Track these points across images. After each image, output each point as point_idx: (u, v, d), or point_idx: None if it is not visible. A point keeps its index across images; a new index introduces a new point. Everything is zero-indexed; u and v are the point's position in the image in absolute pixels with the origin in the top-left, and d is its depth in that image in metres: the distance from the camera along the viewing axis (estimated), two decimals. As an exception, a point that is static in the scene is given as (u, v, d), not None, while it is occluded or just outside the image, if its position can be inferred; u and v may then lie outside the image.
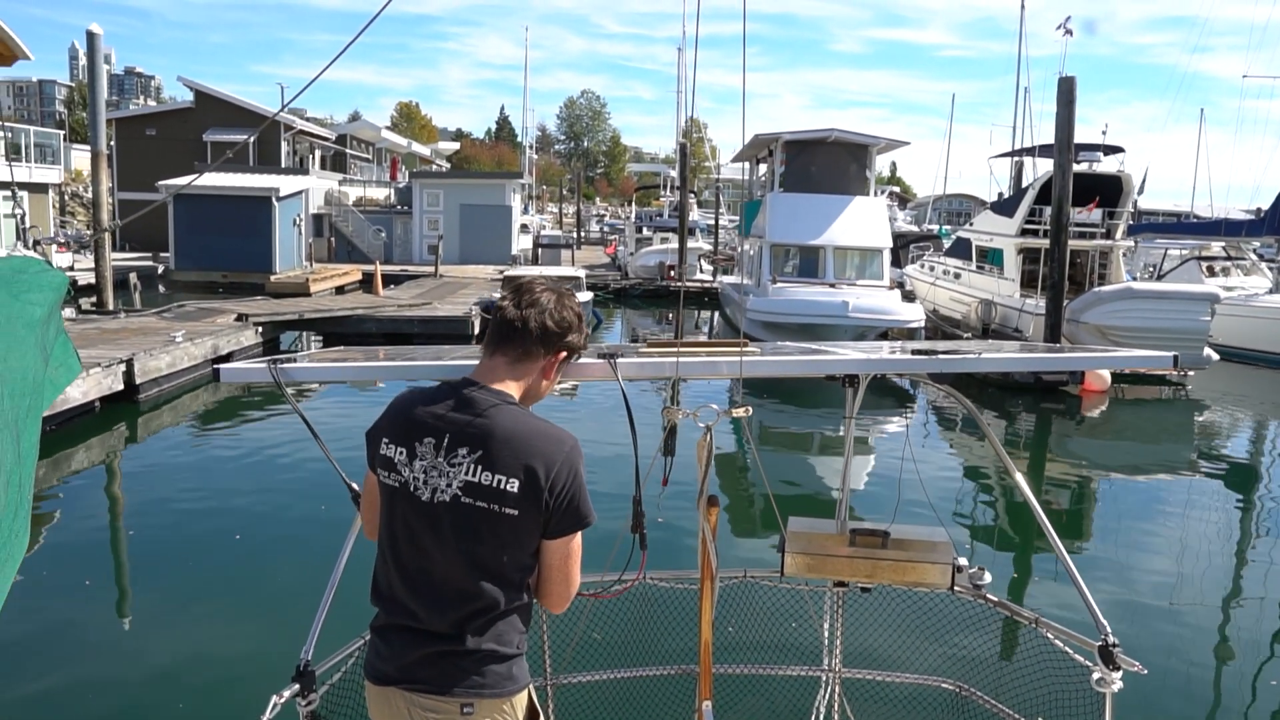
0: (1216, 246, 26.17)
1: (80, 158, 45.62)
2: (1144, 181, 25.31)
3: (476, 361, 2.42)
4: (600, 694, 3.99)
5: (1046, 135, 23.49)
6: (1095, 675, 2.87)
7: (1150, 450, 14.56)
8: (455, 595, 2.22)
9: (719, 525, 2.80)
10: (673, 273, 34.00)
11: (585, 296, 22.26)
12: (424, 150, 68.24)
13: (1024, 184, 25.39)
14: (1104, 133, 25.22)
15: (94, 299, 21.47)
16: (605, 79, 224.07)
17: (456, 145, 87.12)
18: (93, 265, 22.53)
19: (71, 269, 26.42)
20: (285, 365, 2.60)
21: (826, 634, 3.96)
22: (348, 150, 53.79)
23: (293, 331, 21.29)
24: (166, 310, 20.64)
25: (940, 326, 22.64)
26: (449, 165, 71.93)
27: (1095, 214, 21.83)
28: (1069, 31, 28.05)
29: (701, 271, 35.33)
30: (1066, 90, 17.97)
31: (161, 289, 30.31)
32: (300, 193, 35.44)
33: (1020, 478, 3.28)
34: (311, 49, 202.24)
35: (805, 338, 16.80)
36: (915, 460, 9.46)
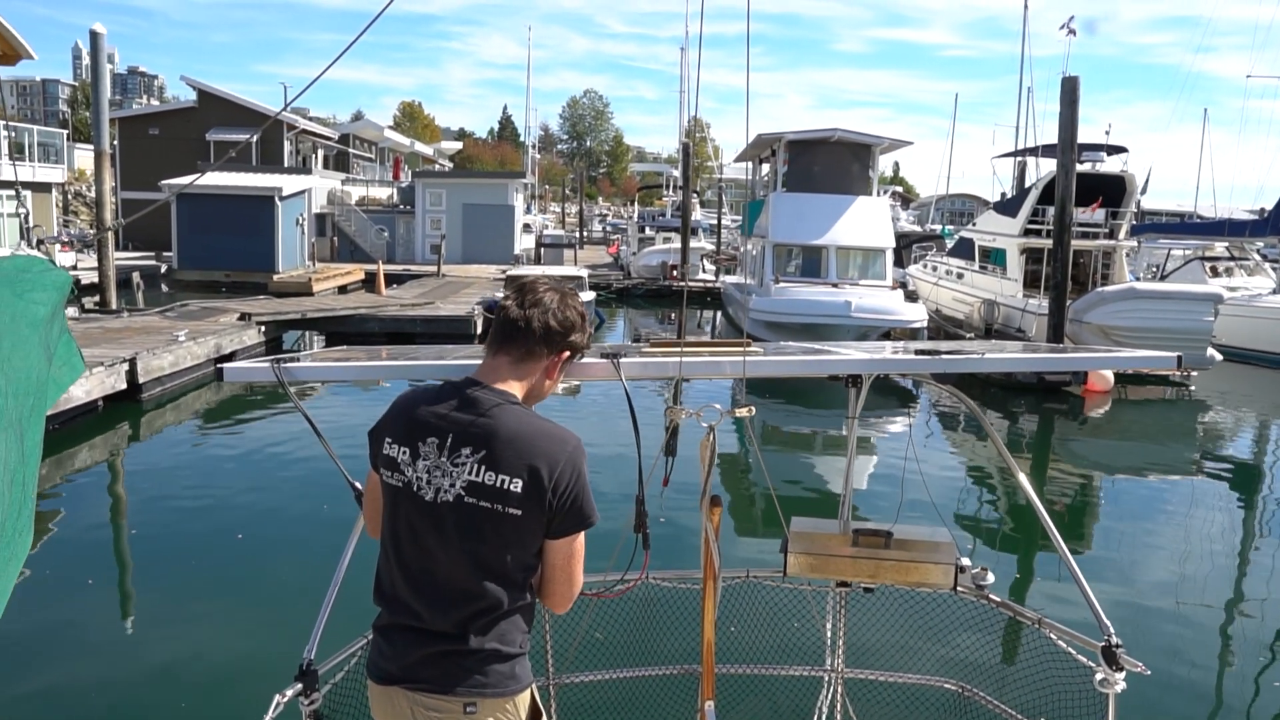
0: (1220, 247, 26.14)
1: (84, 157, 45.78)
2: (1147, 182, 25.31)
3: (479, 361, 2.42)
4: (603, 694, 3.99)
5: (1049, 135, 23.49)
6: (1098, 676, 2.87)
7: (1153, 450, 14.54)
8: (458, 595, 2.22)
9: (721, 525, 2.80)
10: (675, 272, 34.00)
11: (588, 296, 22.26)
12: (427, 150, 68.29)
13: (1027, 184, 25.38)
14: (1107, 133, 25.28)
15: (97, 298, 21.50)
16: (608, 79, 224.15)
17: (459, 145, 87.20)
18: (96, 264, 22.58)
19: (75, 268, 26.45)
20: (288, 365, 2.60)
21: (829, 634, 3.96)
22: (350, 150, 53.84)
23: (295, 331, 21.30)
24: (169, 309, 20.65)
25: (943, 326, 22.63)
26: (452, 165, 71.97)
27: (1098, 214, 21.81)
28: (1072, 31, 28.09)
29: (704, 271, 35.32)
30: (1070, 90, 17.95)
31: (164, 288, 30.34)
32: (303, 192, 35.48)
33: (1023, 478, 3.28)
34: (314, 48, 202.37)
35: (808, 338, 16.79)
36: (918, 460, 9.45)
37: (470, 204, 41.08)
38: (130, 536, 9.21)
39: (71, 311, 18.17)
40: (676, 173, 47.14)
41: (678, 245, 33.49)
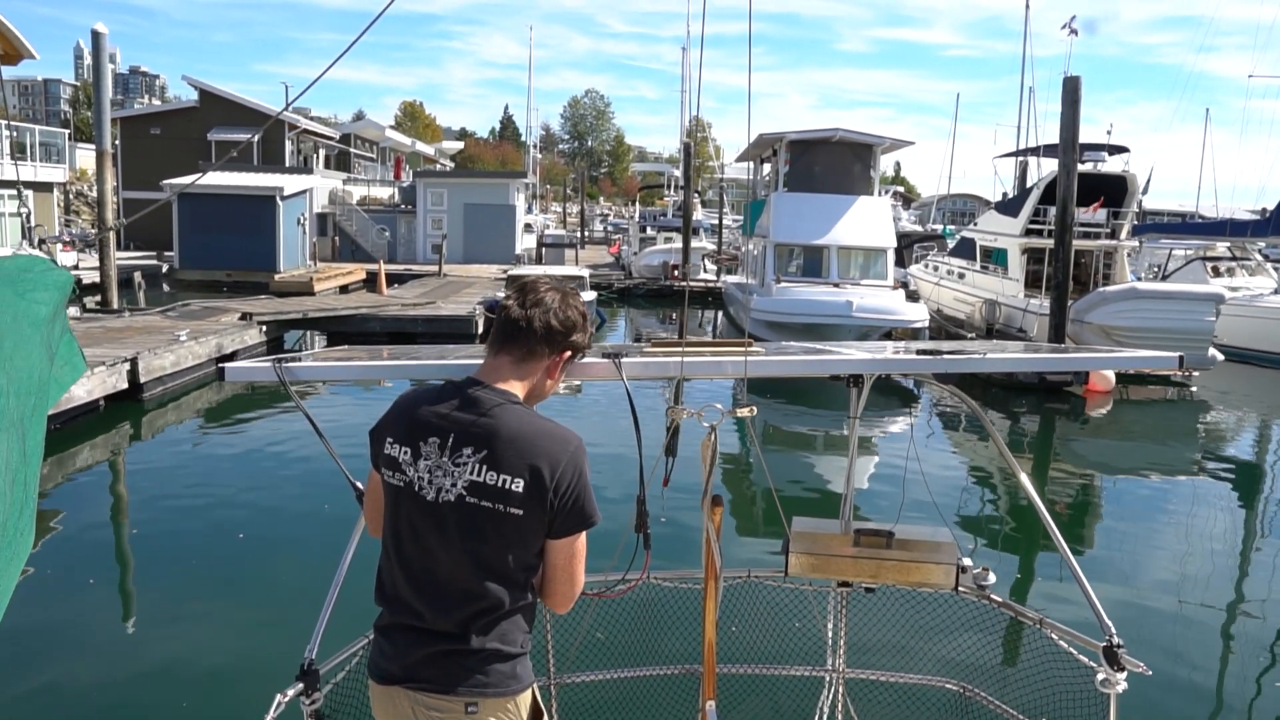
0: (1221, 247, 26.11)
1: (85, 157, 45.79)
2: (1149, 181, 25.23)
3: (480, 361, 2.42)
4: (604, 694, 3.99)
5: (1051, 135, 23.52)
6: (1100, 676, 2.87)
7: (1154, 451, 14.53)
8: (460, 595, 2.22)
9: (723, 525, 2.80)
10: (676, 272, 34.00)
11: (589, 296, 22.26)
12: (428, 149, 68.32)
13: (1028, 184, 25.37)
14: (1109, 132, 25.26)
15: (98, 298, 21.52)
16: (609, 78, 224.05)
17: (460, 144, 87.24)
18: (97, 264, 22.60)
19: (76, 268, 26.49)
20: (290, 364, 2.60)
21: (830, 634, 3.96)
22: (352, 149, 53.88)
23: (297, 331, 21.31)
24: (171, 309, 20.67)
25: (944, 326, 22.62)
26: (453, 164, 72.02)
27: (1100, 214, 21.79)
28: (1074, 31, 28.08)
29: (705, 271, 35.32)
30: (1071, 90, 17.94)
31: (166, 288, 30.36)
32: (304, 192, 35.49)
33: (1024, 478, 3.27)
34: (316, 48, 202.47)
35: (809, 337, 16.79)
36: (919, 460, 9.45)
37: (471, 204, 41.10)
38: (131, 536, 9.21)
39: (73, 311, 18.19)
40: (678, 172, 47.14)
41: (679, 245, 33.49)
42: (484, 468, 2.19)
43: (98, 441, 12.30)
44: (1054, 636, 3.18)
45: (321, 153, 49.33)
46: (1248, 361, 21.10)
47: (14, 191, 27.45)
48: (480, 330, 21.30)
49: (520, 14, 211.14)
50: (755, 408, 2.87)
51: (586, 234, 61.46)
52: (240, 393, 14.95)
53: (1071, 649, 3.10)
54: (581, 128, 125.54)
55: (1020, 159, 30.43)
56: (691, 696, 3.64)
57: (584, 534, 2.30)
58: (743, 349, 2.76)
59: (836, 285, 20.15)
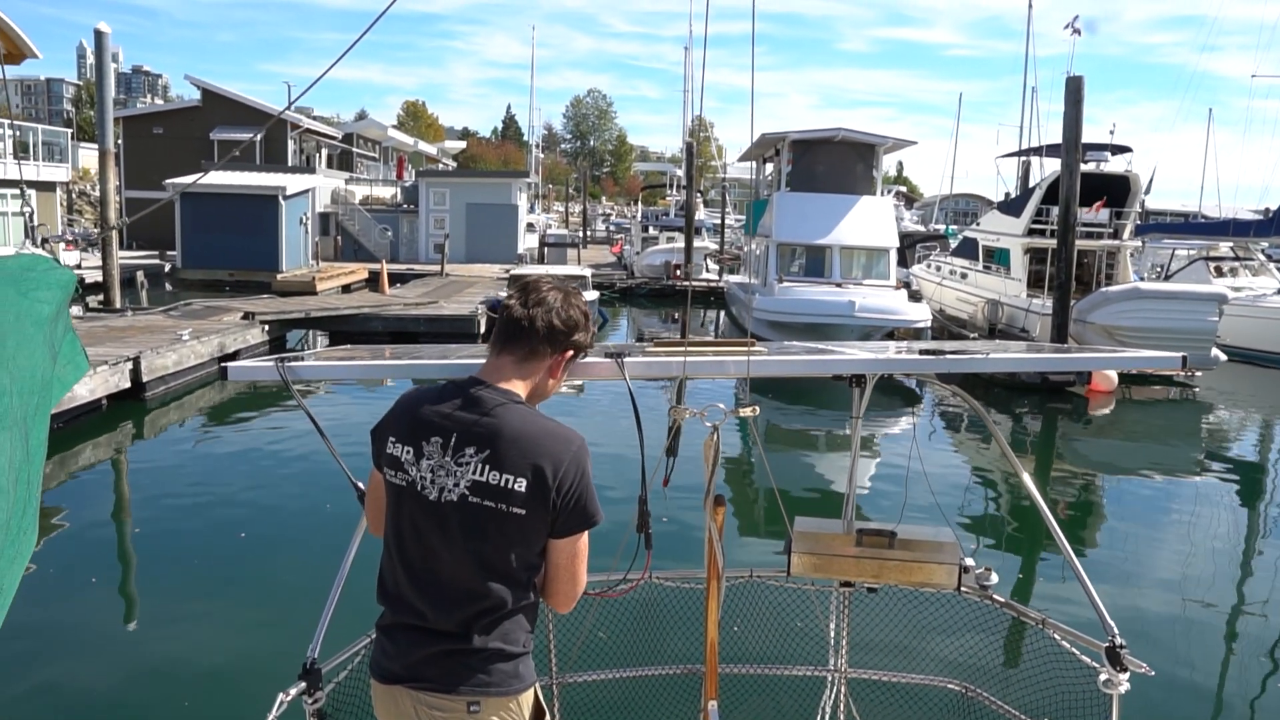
0: (1224, 247, 26.09)
1: (88, 156, 45.79)
2: (1151, 181, 25.13)
3: (483, 360, 2.42)
4: (606, 693, 3.99)
5: (1054, 135, 23.49)
6: (1102, 677, 2.86)
7: (1157, 451, 14.51)
8: (462, 594, 2.22)
9: (725, 525, 2.80)
10: (679, 272, 34.01)
11: (591, 295, 22.26)
12: (430, 149, 68.33)
13: (1031, 184, 25.32)
14: (1112, 132, 25.09)
15: (101, 297, 21.54)
16: (612, 78, 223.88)
17: (463, 144, 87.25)
18: (100, 263, 22.61)
19: (79, 267, 26.50)
20: (292, 363, 2.60)
21: (832, 634, 3.95)
22: (354, 149, 53.91)
23: (299, 330, 21.33)
24: (173, 308, 20.69)
25: (947, 326, 22.61)
26: (455, 164, 72.05)
27: (1102, 214, 21.76)
28: (1077, 31, 27.97)
29: (707, 271, 35.32)
30: (1074, 90, 17.92)
31: (168, 287, 30.40)
32: (307, 191, 35.52)
33: (1027, 478, 3.27)
34: (318, 48, 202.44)
35: (811, 337, 16.78)
36: (922, 460, 9.43)
37: (474, 203, 41.12)
38: (133, 535, 9.23)
39: (75, 310, 18.21)
40: (680, 172, 47.10)
41: (681, 245, 33.52)
42: (486, 467, 2.19)
43: (100, 440, 12.32)
44: (1056, 637, 3.18)
45: (324, 152, 49.36)
46: (1250, 362, 21.08)
47: (17, 191, 27.50)
48: (482, 330, 21.32)
49: (523, 14, 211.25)
50: (758, 407, 2.87)
51: (589, 234, 61.49)
52: (242, 392, 14.96)
53: (1074, 649, 3.10)
54: (584, 127, 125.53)
55: (1023, 159, 30.36)
56: (693, 696, 3.64)
57: (586, 533, 2.30)
58: (745, 349, 2.76)
59: (839, 285, 20.15)
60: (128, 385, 13.64)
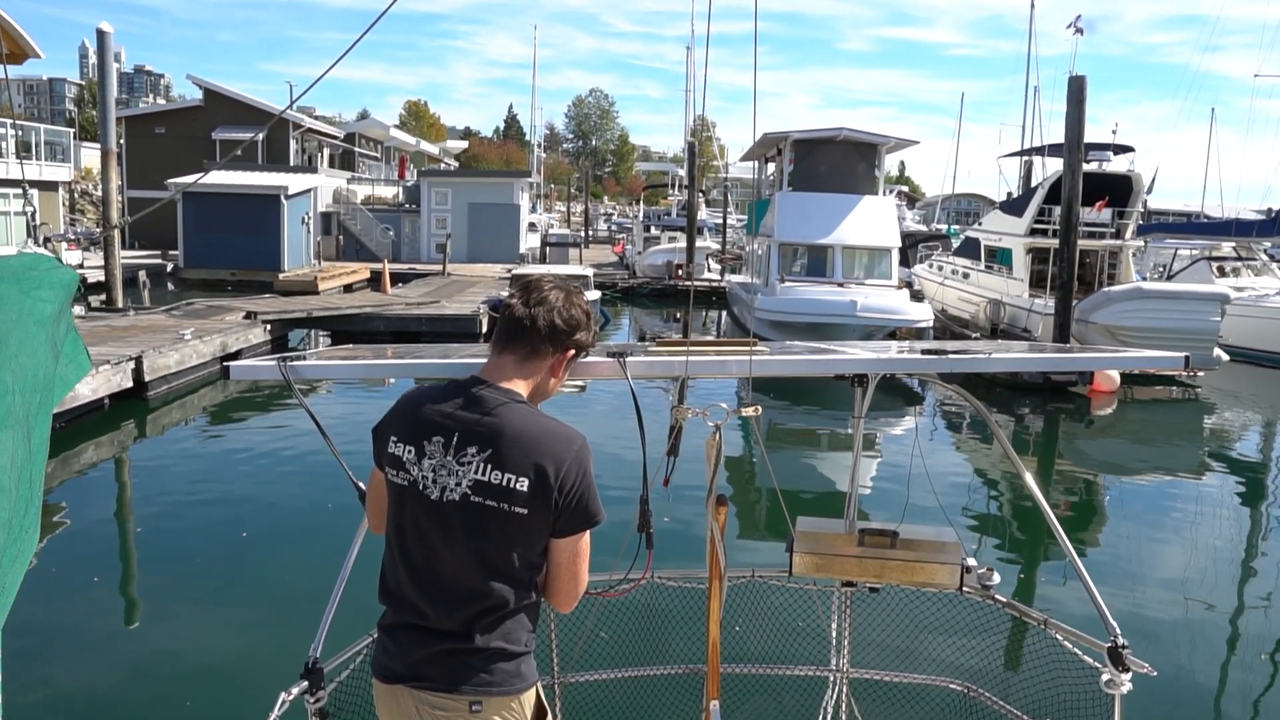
0: (1227, 247, 26.06)
1: (90, 156, 45.84)
2: (1154, 181, 25.06)
3: (484, 360, 2.42)
4: (607, 693, 3.99)
5: (1056, 134, 23.47)
6: (1104, 677, 2.86)
7: (1159, 451, 14.50)
8: (464, 594, 2.22)
9: (727, 524, 2.80)
10: (680, 272, 34.00)
11: (593, 295, 22.27)
12: (432, 149, 68.36)
13: (1033, 183, 25.31)
14: (1114, 132, 25.08)
15: (103, 296, 21.56)
16: (613, 77, 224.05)
17: (465, 144, 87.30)
18: (102, 263, 22.63)
19: (81, 266, 26.52)
20: (294, 363, 2.60)
21: (834, 634, 3.95)
22: (356, 149, 53.93)
23: (301, 329, 21.34)
24: (175, 308, 20.70)
25: (948, 326, 22.59)
26: (457, 164, 72.08)
27: (1105, 214, 21.75)
28: (1079, 30, 27.96)
29: (709, 271, 35.31)
30: (1076, 89, 17.90)
31: (170, 287, 30.42)
32: (309, 191, 35.53)
33: (1029, 478, 3.26)
34: (320, 47, 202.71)
35: (813, 337, 16.78)
36: (924, 460, 9.43)
37: (475, 203, 41.12)
38: (135, 534, 9.23)
39: (78, 310, 18.22)
40: (682, 172, 47.09)
41: (683, 244, 33.50)
42: (488, 467, 2.19)
43: (103, 440, 12.33)
44: (1058, 637, 3.17)
45: (326, 152, 49.38)
46: (1253, 361, 21.05)
47: (19, 190, 27.53)
48: (484, 329, 21.32)
49: (525, 13, 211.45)
50: (760, 407, 2.87)
51: (591, 233, 61.49)
52: (244, 392, 14.97)
53: (1076, 649, 3.09)
54: (586, 127, 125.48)
55: (1025, 158, 30.34)
56: (695, 696, 3.64)
57: (588, 533, 2.30)
58: (747, 348, 2.75)
59: (841, 285, 20.13)
60: (130, 384, 13.65)
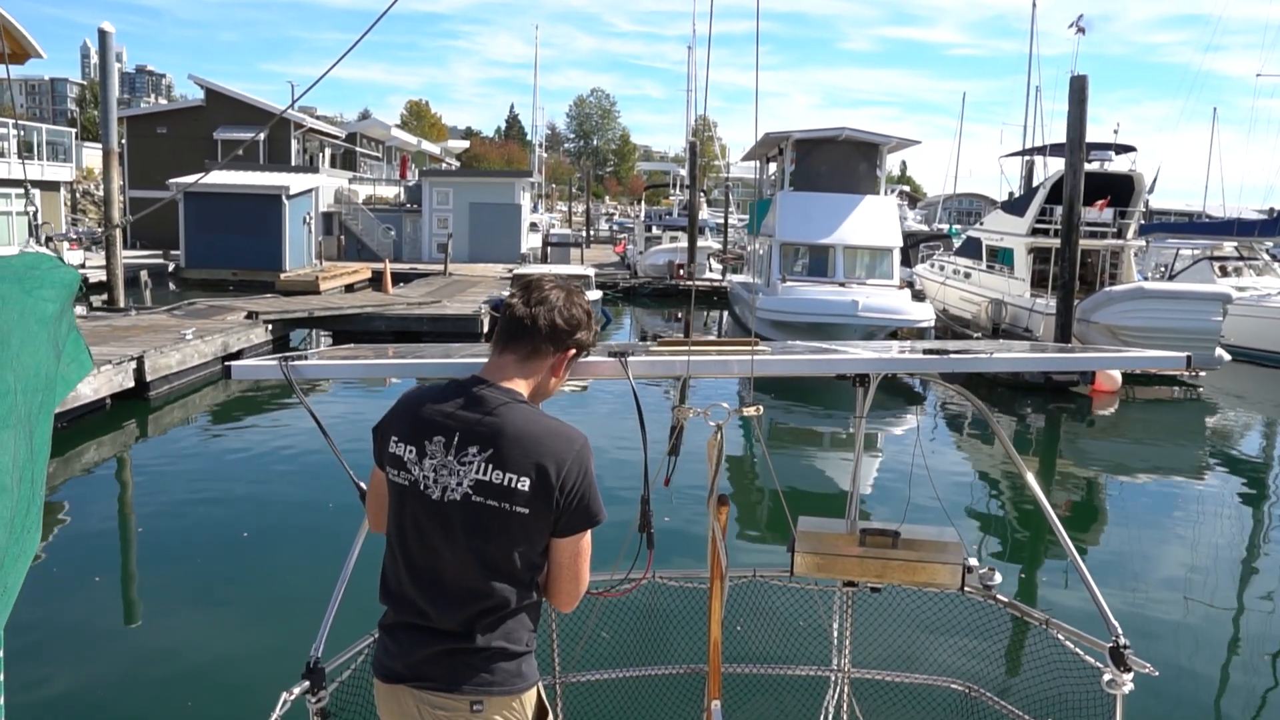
0: (1229, 246, 26.04)
1: (92, 156, 45.91)
2: (1155, 181, 25.11)
3: (485, 359, 2.42)
4: (608, 693, 3.99)
5: (1057, 134, 23.42)
6: (1106, 677, 2.86)
7: (1161, 451, 14.49)
8: (465, 594, 2.22)
9: (728, 524, 2.80)
10: (682, 271, 33.99)
11: (594, 295, 22.28)
12: (433, 149, 68.37)
13: (1035, 183, 25.32)
14: (1116, 132, 25.07)
15: (105, 296, 21.58)
16: (615, 77, 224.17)
17: (466, 144, 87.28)
18: (104, 263, 22.65)
19: (83, 266, 26.54)
20: (296, 363, 2.60)
21: (836, 634, 3.95)
22: (357, 148, 53.95)
23: (302, 329, 21.35)
24: (177, 308, 20.72)
25: (950, 326, 22.58)
26: (458, 164, 72.09)
27: (1106, 213, 21.72)
28: (1081, 30, 27.93)
29: (711, 270, 35.30)
30: (1078, 89, 17.89)
31: (172, 286, 30.45)
32: (310, 191, 35.55)
33: (1031, 478, 3.26)
34: (321, 47, 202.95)
35: (814, 337, 16.78)
36: (925, 460, 9.42)
37: (477, 203, 41.14)
38: (137, 533, 9.24)
39: (79, 310, 18.23)
40: (683, 172, 47.10)
41: (684, 244, 33.48)
42: (490, 466, 2.19)
43: (104, 439, 12.34)
44: (1060, 637, 3.17)
45: (327, 152, 49.41)
46: (1255, 361, 21.04)
47: (21, 190, 27.54)
48: (485, 329, 21.33)
49: (526, 13, 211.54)
50: (761, 407, 2.87)
51: (592, 233, 61.49)
52: (246, 391, 14.98)
53: (1077, 649, 3.09)
54: (587, 127, 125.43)
55: (1026, 158, 30.33)
56: (696, 696, 3.64)
57: (589, 532, 2.30)
58: (748, 348, 2.75)
59: (842, 285, 20.12)
60: (131, 384, 13.66)
